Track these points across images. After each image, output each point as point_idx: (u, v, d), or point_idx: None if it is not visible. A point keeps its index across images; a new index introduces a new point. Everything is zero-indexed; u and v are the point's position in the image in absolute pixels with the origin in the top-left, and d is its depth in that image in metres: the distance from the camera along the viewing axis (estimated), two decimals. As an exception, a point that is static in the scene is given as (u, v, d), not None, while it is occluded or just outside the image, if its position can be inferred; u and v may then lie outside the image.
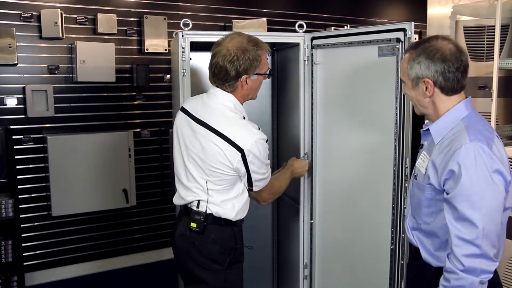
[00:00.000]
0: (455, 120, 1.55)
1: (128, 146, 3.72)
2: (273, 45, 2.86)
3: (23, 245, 3.41)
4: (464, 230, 1.42)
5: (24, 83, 3.45)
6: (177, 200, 2.04)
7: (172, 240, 2.05)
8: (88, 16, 3.64)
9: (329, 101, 2.46)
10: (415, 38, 2.22)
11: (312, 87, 2.49)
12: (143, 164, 3.93)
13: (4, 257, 3.15)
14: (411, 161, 2.01)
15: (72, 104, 3.63)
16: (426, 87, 1.56)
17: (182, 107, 2.03)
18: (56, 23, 3.41)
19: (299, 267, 2.64)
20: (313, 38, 2.45)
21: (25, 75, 3.47)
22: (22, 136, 3.48)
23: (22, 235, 3.43)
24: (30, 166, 3.52)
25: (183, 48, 2.27)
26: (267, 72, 1.97)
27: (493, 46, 2.72)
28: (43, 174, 3.55)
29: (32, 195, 3.55)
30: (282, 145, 2.96)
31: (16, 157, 3.38)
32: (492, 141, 1.48)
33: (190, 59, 2.31)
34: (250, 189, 1.97)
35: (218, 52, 1.85)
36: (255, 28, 3.98)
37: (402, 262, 2.15)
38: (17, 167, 3.41)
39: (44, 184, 3.56)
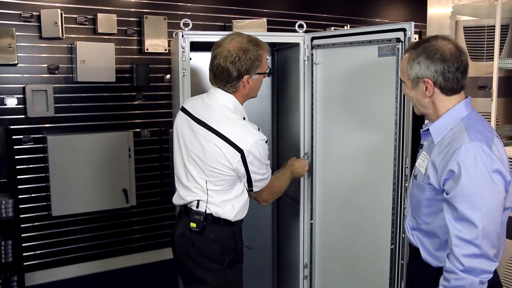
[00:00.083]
0: (455, 120, 1.55)
1: (128, 146, 3.73)
2: (273, 45, 2.85)
3: (23, 245, 3.41)
4: (464, 230, 1.42)
5: (24, 83, 3.45)
6: (176, 200, 2.04)
7: (172, 240, 2.05)
8: (88, 16, 3.64)
9: (329, 101, 2.46)
10: (415, 38, 2.22)
11: (312, 87, 2.49)
12: (143, 164, 3.93)
13: (4, 257, 3.15)
14: (411, 161, 2.01)
15: (72, 104, 3.63)
16: (426, 87, 1.56)
17: (183, 107, 2.03)
18: (56, 23, 3.41)
19: (299, 267, 2.64)
20: (313, 38, 2.45)
21: (25, 75, 3.47)
22: (22, 136, 3.48)
23: (22, 235, 3.43)
24: (30, 166, 3.52)
25: (183, 48, 2.27)
26: (268, 71, 1.97)
27: (493, 46, 2.72)
28: (43, 174, 3.55)
29: (32, 195, 3.55)
30: (282, 145, 2.96)
31: (16, 157, 3.38)
32: (492, 141, 1.48)
33: (190, 59, 2.31)
34: (250, 190, 1.97)
35: (219, 54, 1.85)
36: (255, 28, 3.98)
37: (402, 262, 2.14)
38: (17, 167, 3.41)
39: (44, 184, 3.56)
